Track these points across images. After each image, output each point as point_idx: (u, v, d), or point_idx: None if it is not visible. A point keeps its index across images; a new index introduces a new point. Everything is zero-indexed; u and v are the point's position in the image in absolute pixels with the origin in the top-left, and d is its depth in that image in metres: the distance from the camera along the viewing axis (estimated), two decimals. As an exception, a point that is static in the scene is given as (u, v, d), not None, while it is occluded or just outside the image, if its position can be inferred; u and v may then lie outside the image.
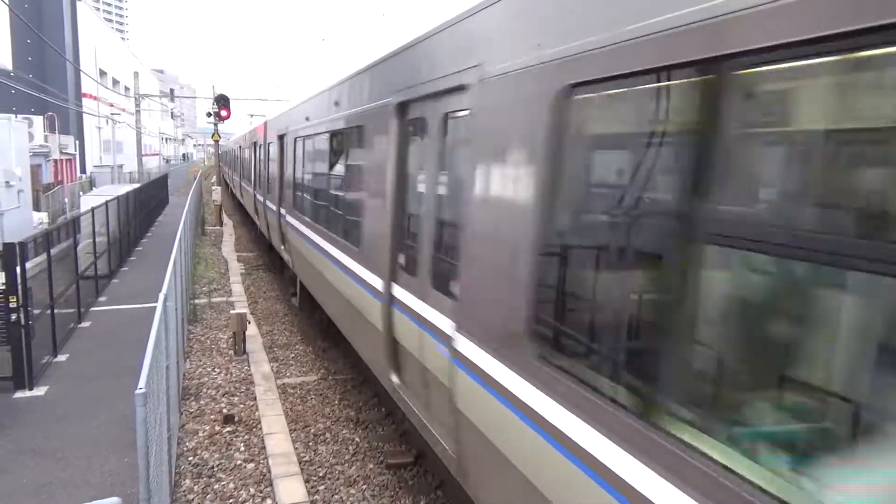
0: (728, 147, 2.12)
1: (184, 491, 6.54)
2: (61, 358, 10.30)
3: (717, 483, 2.05)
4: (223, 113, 29.25)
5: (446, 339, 4.26)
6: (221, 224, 29.44)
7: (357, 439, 7.94)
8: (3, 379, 8.87)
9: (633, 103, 2.61)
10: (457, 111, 4.35)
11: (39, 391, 8.91)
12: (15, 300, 8.76)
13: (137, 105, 41.18)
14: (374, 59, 6.48)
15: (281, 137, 13.36)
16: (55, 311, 10.42)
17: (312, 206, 9.84)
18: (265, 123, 16.41)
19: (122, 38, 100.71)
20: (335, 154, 8.38)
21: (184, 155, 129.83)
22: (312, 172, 9.93)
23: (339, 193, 8.00)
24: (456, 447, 4.24)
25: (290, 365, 10.66)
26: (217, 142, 32.64)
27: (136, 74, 43.13)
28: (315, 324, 12.64)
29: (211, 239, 25.19)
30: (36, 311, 9.49)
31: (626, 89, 2.58)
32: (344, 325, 8.10)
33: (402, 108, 5.52)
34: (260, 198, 17.22)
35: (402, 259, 5.51)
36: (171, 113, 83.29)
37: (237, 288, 16.21)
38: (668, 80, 2.37)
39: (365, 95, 6.68)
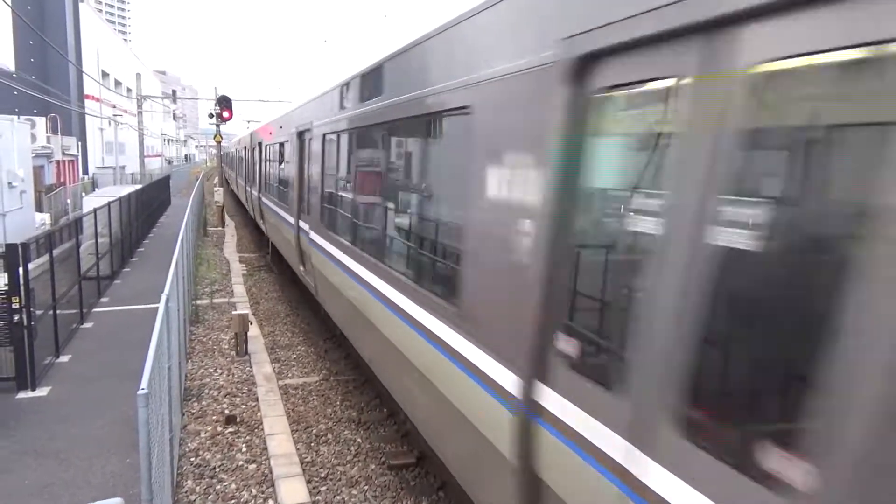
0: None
1: (186, 492, 6.54)
2: (63, 359, 10.32)
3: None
4: (225, 114, 29.27)
5: None
6: (223, 225, 29.46)
7: (359, 440, 7.94)
8: (6, 379, 8.88)
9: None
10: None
11: (42, 392, 8.92)
12: (17, 301, 8.77)
13: (140, 106, 41.25)
14: None
15: (302, 134, 11.02)
16: (57, 311, 10.44)
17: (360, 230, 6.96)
18: (289, 114, 13.56)
19: (125, 40, 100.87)
20: (404, 154, 5.83)
21: (186, 156, 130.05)
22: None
23: (418, 214, 5.24)
24: None
25: (291, 366, 10.67)
26: (219, 143, 32.67)
27: (138, 76, 43.21)
28: (320, 323, 12.64)
29: (213, 240, 25.21)
30: (38, 312, 9.50)
31: None
32: (434, 434, 5.08)
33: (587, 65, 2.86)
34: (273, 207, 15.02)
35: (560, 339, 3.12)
36: (174, 114, 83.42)
37: (239, 289, 16.23)
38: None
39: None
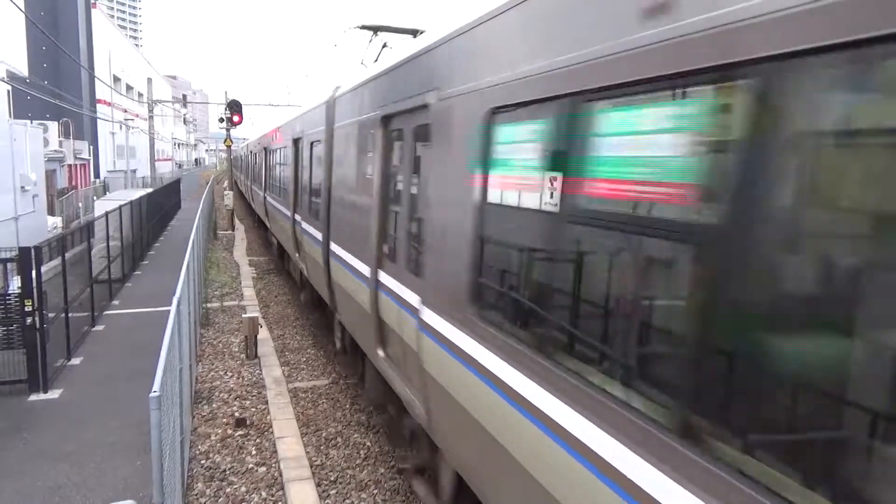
0: None
1: (196, 494, 6.57)
2: (75, 361, 10.39)
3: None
4: (235, 118, 29.44)
5: None
6: (233, 228, 29.60)
7: (368, 443, 7.95)
8: (19, 382, 8.96)
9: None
10: None
11: (54, 394, 8.99)
12: (30, 304, 8.85)
13: (150, 111, 41.54)
14: None
15: (296, 141, 12.65)
16: (69, 314, 10.52)
17: None
18: (288, 124, 14.59)
19: (136, 45, 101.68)
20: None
21: (196, 160, 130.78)
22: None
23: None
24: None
25: (301, 369, 10.69)
26: (229, 147, 32.85)
27: (149, 80, 43.54)
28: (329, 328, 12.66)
29: (223, 243, 25.33)
30: (51, 315, 9.57)
31: None
32: None
33: None
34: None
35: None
36: (184, 118, 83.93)
37: (249, 292, 16.29)
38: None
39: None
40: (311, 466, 7.21)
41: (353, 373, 9.64)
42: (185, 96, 63.05)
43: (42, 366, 8.99)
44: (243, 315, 11.99)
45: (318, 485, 6.82)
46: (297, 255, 12.68)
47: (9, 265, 9.80)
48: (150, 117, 41.63)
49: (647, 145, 2.68)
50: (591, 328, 3.09)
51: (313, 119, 10.87)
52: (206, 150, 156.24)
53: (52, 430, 7.85)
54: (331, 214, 8.91)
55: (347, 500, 6.61)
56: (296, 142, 12.77)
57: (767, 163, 2.08)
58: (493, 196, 3.88)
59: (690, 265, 2.49)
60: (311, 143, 10.75)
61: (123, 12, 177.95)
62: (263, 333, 12.10)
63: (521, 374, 3.38)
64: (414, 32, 10.67)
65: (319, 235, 9.62)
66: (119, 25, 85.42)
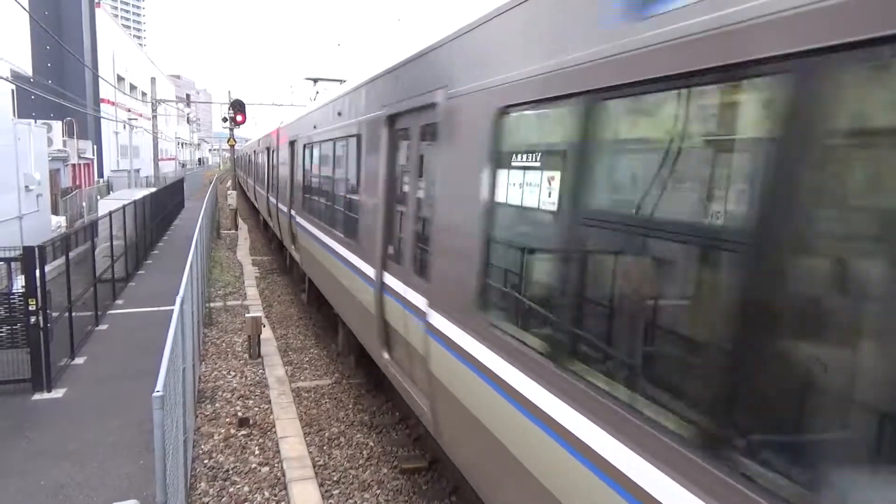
0: None
1: (199, 494, 6.57)
2: (79, 360, 10.40)
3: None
4: (239, 118, 29.46)
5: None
6: (237, 228, 29.63)
7: (371, 444, 7.94)
8: (23, 381, 8.97)
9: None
10: None
11: (58, 393, 9.00)
12: (34, 303, 8.86)
13: (154, 110, 41.60)
14: None
15: (292, 143, 14.25)
16: (73, 313, 10.53)
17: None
18: (284, 127, 16.40)
19: (140, 44, 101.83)
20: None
21: (199, 159, 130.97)
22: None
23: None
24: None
25: (304, 368, 10.69)
26: (233, 146, 32.88)
27: (152, 80, 43.62)
28: (332, 327, 12.65)
29: (226, 242, 25.35)
30: (54, 314, 9.59)
31: None
32: None
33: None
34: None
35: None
36: (188, 118, 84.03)
37: (252, 291, 16.30)
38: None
39: None
40: (314, 466, 7.21)
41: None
42: (188, 96, 63.15)
43: (46, 365, 9.01)
44: (246, 315, 12.00)
45: (321, 485, 6.82)
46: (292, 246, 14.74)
47: (13, 264, 9.82)
48: (154, 117, 41.71)
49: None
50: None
51: (307, 122, 12.29)
52: (210, 150, 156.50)
53: (55, 430, 7.87)
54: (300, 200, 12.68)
55: (350, 500, 6.61)
56: (291, 143, 14.35)
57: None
58: (304, 170, 7.79)
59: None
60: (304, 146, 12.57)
61: (127, 11, 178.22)
62: (266, 333, 12.11)
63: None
64: (341, 81, 14.44)
65: (299, 220, 12.84)
66: (123, 25, 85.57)
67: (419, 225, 5.46)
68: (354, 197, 7.77)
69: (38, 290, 8.87)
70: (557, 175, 3.27)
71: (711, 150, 2.47)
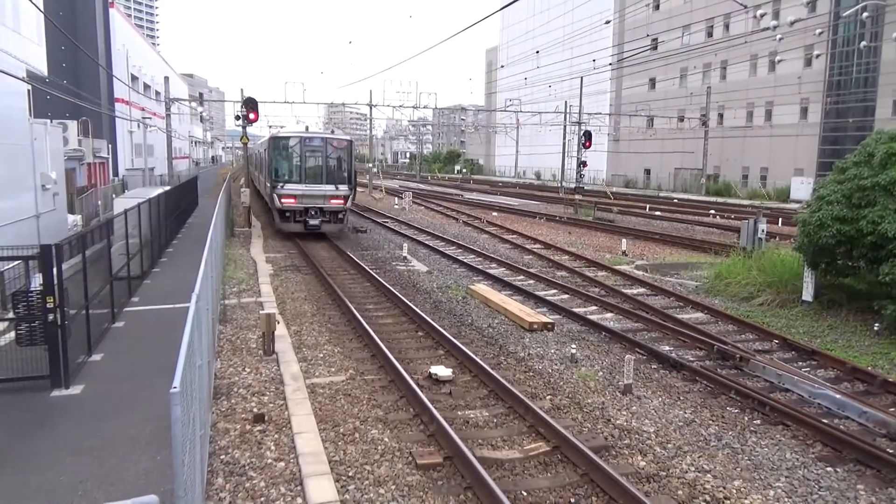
0: None
1: (216, 489, 6.61)
2: (96, 357, 10.50)
3: None
4: (251, 116, 29.58)
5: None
6: (250, 225, 29.77)
7: (386, 439, 7.96)
8: (41, 378, 9.07)
9: None
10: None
11: (75, 390, 9.09)
12: (52, 300, 8.95)
13: (168, 109, 41.86)
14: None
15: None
16: (90, 311, 10.62)
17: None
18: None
19: (153, 44, 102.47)
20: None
21: (213, 157, 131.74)
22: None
23: None
24: None
25: (318, 365, 10.73)
26: (245, 144, 33.03)
27: (166, 79, 43.85)
28: (346, 324, 12.71)
29: (240, 240, 25.48)
30: (71, 312, 9.68)
31: None
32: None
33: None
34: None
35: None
36: (201, 116, 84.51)
37: (266, 288, 16.38)
38: None
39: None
40: (330, 462, 7.23)
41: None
42: (201, 94, 63.46)
43: (63, 362, 9.10)
44: (260, 311, 12.06)
45: (336, 480, 6.84)
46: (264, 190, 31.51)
47: (31, 262, 9.92)
48: (168, 116, 41.96)
49: None
50: None
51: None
52: (223, 148, 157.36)
53: (73, 425, 7.95)
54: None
55: (366, 496, 6.62)
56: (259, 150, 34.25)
57: None
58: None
59: None
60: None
61: (140, 11, 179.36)
62: (280, 330, 12.15)
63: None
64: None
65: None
66: (136, 24, 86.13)
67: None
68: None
69: (56, 287, 8.95)
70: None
71: None
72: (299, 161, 25.80)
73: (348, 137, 28.76)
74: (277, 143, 26.26)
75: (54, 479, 6.64)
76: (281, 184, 25.38)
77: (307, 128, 30.70)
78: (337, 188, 25.73)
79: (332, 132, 31.32)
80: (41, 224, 21.46)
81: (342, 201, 25.88)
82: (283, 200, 25.41)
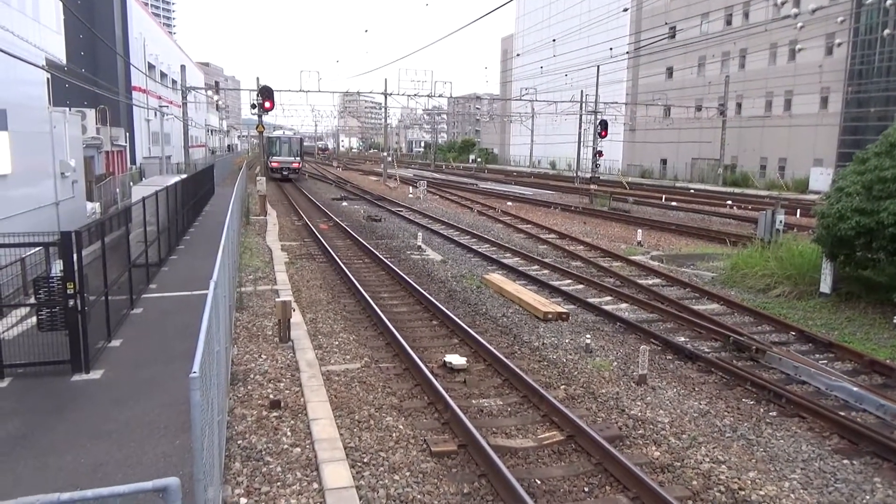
0: None
1: (234, 473, 6.71)
2: (115, 343, 10.65)
3: None
4: (267, 104, 29.68)
5: None
6: (266, 214, 29.93)
7: (400, 426, 8.01)
8: (62, 362, 9.21)
9: None
10: None
11: (95, 374, 9.23)
12: (72, 286, 9.07)
13: (184, 97, 42.08)
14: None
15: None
16: (109, 297, 10.76)
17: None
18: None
19: (170, 32, 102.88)
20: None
21: (229, 146, 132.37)
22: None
23: None
24: None
25: (333, 352, 10.81)
26: (261, 133, 33.16)
27: (182, 67, 44.07)
28: (361, 311, 12.78)
29: (255, 228, 25.65)
30: (91, 298, 9.81)
31: None
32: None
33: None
34: None
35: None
36: (217, 105, 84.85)
37: (282, 276, 16.48)
38: None
39: None
40: (345, 448, 7.29)
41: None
42: (217, 83, 63.59)
43: (84, 347, 9.24)
44: (276, 299, 12.15)
45: (351, 466, 6.91)
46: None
47: (51, 249, 10.05)
48: (184, 104, 42.19)
49: None
50: None
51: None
52: (239, 137, 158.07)
53: (93, 410, 8.07)
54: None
55: (381, 482, 6.69)
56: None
57: None
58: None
59: None
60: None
61: (157, 0, 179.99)
62: (296, 317, 12.25)
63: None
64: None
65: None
66: (153, 13, 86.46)
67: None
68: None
69: (76, 274, 9.07)
70: None
71: None
72: (278, 146, 56.08)
73: (299, 136, 64.34)
74: (269, 138, 54.21)
75: (74, 461, 6.76)
76: (270, 155, 53.89)
77: (284, 131, 69.07)
78: (294, 159, 55.82)
79: (294, 133, 65.40)
80: (61, 211, 21.72)
81: (297, 164, 56.36)
82: (271, 163, 53.94)
